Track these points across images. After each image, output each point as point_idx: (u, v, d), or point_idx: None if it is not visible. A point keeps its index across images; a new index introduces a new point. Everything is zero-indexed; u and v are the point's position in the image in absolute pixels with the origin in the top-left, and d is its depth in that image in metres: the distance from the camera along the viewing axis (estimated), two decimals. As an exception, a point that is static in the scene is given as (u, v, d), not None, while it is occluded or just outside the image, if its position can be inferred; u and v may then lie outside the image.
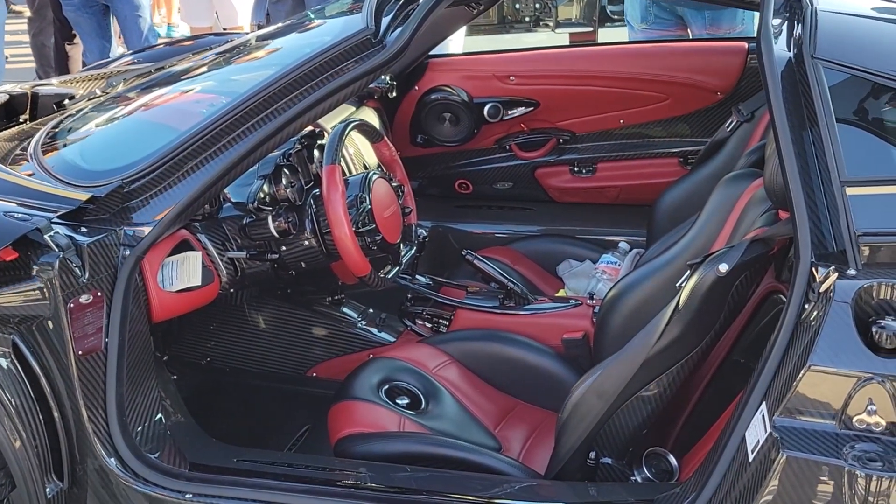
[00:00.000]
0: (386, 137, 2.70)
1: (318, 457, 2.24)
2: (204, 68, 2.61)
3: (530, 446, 2.27)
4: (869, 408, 1.49)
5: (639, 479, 1.98)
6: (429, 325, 2.80)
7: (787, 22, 1.98)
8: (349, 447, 2.13)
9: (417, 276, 2.86)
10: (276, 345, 2.77)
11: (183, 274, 2.14)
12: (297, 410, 2.64)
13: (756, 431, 1.57)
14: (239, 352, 2.77)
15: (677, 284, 1.89)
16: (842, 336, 1.50)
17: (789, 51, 1.82)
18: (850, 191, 1.60)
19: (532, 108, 3.37)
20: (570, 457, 1.99)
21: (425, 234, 2.88)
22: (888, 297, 1.52)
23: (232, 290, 2.42)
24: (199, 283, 2.16)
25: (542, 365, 2.45)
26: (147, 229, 1.97)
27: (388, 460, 2.06)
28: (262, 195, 2.37)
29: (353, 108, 3.08)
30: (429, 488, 1.88)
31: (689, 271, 1.86)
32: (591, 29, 6.44)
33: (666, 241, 2.44)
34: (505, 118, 3.39)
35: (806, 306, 1.56)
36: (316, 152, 2.55)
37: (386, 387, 2.32)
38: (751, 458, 1.56)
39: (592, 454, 1.99)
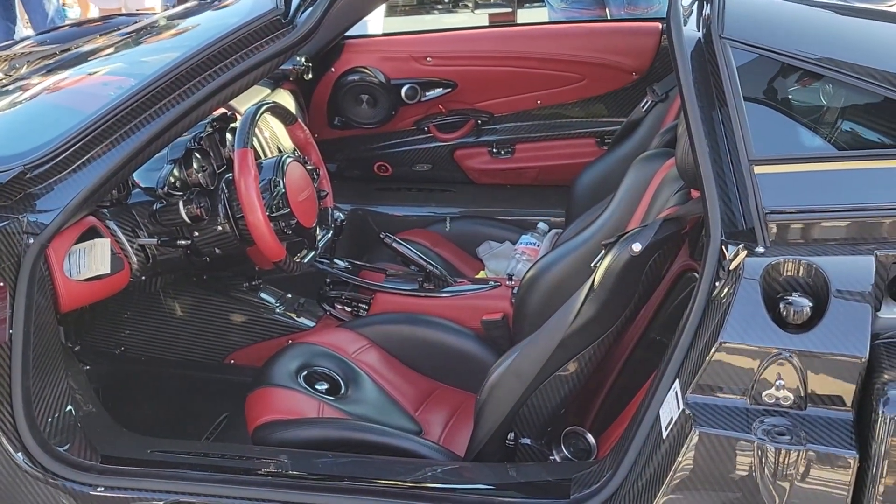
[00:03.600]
0: (300, 120, 2.66)
1: (236, 445, 2.22)
2: (111, 49, 2.55)
3: (450, 429, 2.28)
4: (777, 382, 1.52)
5: (557, 459, 2.00)
6: (348, 310, 2.79)
7: (697, 2, 2.00)
8: (267, 434, 2.11)
9: (336, 261, 2.84)
10: (193, 332, 2.75)
11: (91, 262, 2.11)
12: (214, 399, 2.62)
13: (669, 409, 1.59)
14: (154, 340, 2.74)
15: (592, 264, 1.91)
16: (751, 313, 1.52)
17: (699, 31, 1.84)
18: (758, 169, 1.62)
19: (450, 90, 3.37)
20: (489, 438, 2.00)
21: (343, 217, 2.83)
22: (795, 274, 1.55)
23: (144, 278, 2.39)
24: (108, 271, 2.14)
25: (461, 347, 2.47)
26: (52, 216, 1.92)
27: (307, 447, 2.05)
28: (172, 180, 2.33)
29: (268, 91, 3.05)
30: (350, 474, 1.88)
31: (603, 251, 1.88)
32: (510, 10, 6.48)
33: (583, 221, 2.46)
34: (423, 99, 3.38)
35: (717, 284, 1.58)
36: (228, 135, 2.52)
37: (305, 372, 2.31)
38: (665, 434, 1.58)
39: (511, 435, 2.00)
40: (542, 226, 3.12)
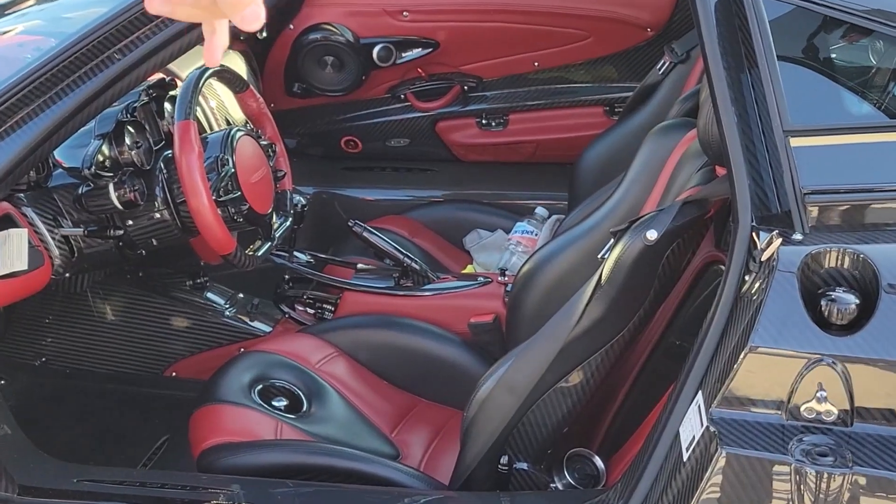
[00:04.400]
0: (252, 86, 2.67)
1: (179, 473, 2.21)
2: (27, 3, 2.57)
3: (433, 452, 2.29)
4: (818, 394, 1.52)
5: (559, 486, 2.00)
6: (311, 312, 2.80)
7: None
8: (215, 460, 2.12)
9: (296, 253, 2.85)
10: (127, 339, 2.77)
11: (4, 256, 2.11)
12: (152, 418, 2.64)
13: (691, 426, 1.59)
14: (81, 349, 2.75)
15: (599, 256, 1.91)
16: (787, 311, 1.51)
17: (724, -22, 1.83)
18: (794, 142, 1.62)
19: (431, 50, 3.38)
20: (479, 463, 2.00)
21: (304, 202, 2.83)
22: (839, 265, 1.55)
23: (68, 275, 2.39)
24: (26, 268, 2.14)
25: (445, 355, 2.49)
26: (-44, 203, 1.91)
27: (263, 474, 2.05)
28: (101, 158, 2.33)
29: None
30: (314, 506, 1.88)
31: (612, 240, 1.88)
32: (502, -45, 6.44)
33: (589, 205, 2.47)
34: (398, 62, 3.39)
35: (746, 278, 1.58)
36: (167, 105, 2.52)
37: (259, 386, 2.32)
38: (685, 456, 1.57)
39: (504, 459, 2.01)
40: (540, 211, 3.13)
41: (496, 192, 3.33)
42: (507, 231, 3.09)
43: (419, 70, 3.43)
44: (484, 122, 3.45)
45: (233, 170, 2.38)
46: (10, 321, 2.60)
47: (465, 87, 3.44)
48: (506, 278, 2.72)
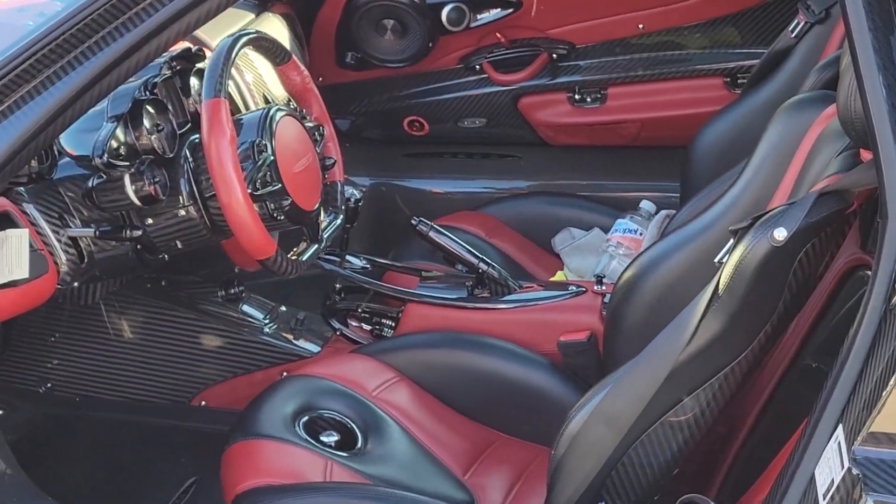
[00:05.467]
0: (297, 57, 2.69)
1: None
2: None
3: (514, 498, 2.30)
4: None
5: (668, 540, 2.00)
6: (367, 328, 2.83)
7: None
8: (254, 507, 2.12)
9: (348, 258, 2.86)
10: (148, 362, 2.79)
11: (1, 262, 2.14)
12: (177, 455, 2.68)
13: (829, 467, 1.57)
14: (93, 373, 2.78)
15: (717, 260, 1.90)
16: (950, 327, 1.50)
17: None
18: (958, 118, 1.61)
19: (512, 10, 3.41)
20: (571, 510, 1.99)
21: (359, 195, 2.85)
22: None
23: (77, 285, 2.42)
24: (27, 275, 2.17)
25: (528, 381, 2.50)
26: (-56, 198, 1.94)
27: None
28: (114, 145, 2.34)
29: (251, 16, 3.09)
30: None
31: (732, 240, 1.86)
32: None
33: (705, 198, 2.47)
34: (473, 25, 3.43)
35: (898, 286, 1.57)
36: (193, 80, 2.54)
37: (305, 418, 2.35)
38: (823, 504, 1.57)
39: (602, 506, 2.00)
40: (645, 205, 3.14)
41: (592, 183, 3.35)
42: (606, 230, 3.10)
43: (498, 35, 3.46)
44: (577, 97, 3.46)
45: (272, 157, 2.39)
46: (9, 339, 2.62)
47: (554, 56, 3.45)
48: (603, 287, 2.73)
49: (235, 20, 2.98)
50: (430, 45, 3.43)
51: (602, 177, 3.38)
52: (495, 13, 3.40)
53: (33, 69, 2.02)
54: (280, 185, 2.39)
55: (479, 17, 3.41)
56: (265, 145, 2.39)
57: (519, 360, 2.53)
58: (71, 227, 2.36)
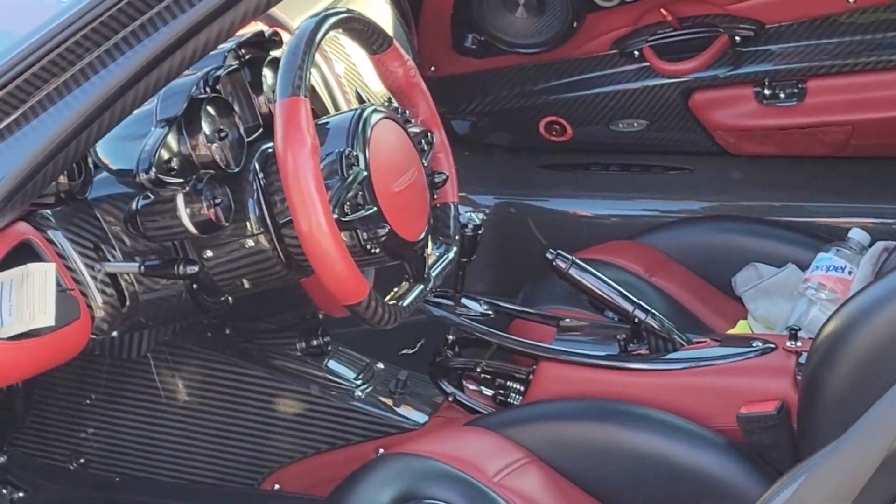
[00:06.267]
0: (402, 41, 2.74)
1: None
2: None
3: None
4: None
5: None
6: (488, 393, 2.77)
7: None
8: None
9: (465, 301, 2.83)
10: (207, 432, 2.78)
11: (21, 305, 2.08)
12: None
13: None
14: (138, 446, 2.77)
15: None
16: None
17: None
18: None
19: None
20: None
21: (479, 220, 2.77)
22: None
23: (116, 334, 2.39)
24: (52, 323, 2.11)
25: (699, 465, 2.44)
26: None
27: None
28: (165, 156, 2.27)
29: None
30: None
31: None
32: None
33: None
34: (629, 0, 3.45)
35: None
36: (267, 73, 2.52)
37: (407, 510, 2.33)
38: None
39: None
40: (856, 234, 3.07)
41: (785, 205, 3.32)
42: (804, 266, 3.06)
43: (663, 12, 3.44)
44: (767, 92, 3.41)
45: (365, 172, 2.32)
46: (32, 403, 2.62)
47: (737, 39, 3.41)
48: (799, 343, 2.64)
49: (318, -6, 3.04)
50: (575, 24, 3.41)
51: (799, 197, 3.32)
52: (660, -16, 3.39)
53: (63, 60, 1.99)
54: (375, 209, 2.33)
55: (638, -12, 3.42)
56: (356, 157, 2.33)
57: (686, 438, 2.48)
58: (109, 261, 2.32)
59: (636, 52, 3.48)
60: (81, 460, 2.73)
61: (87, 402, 2.70)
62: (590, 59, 3.49)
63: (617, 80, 3.49)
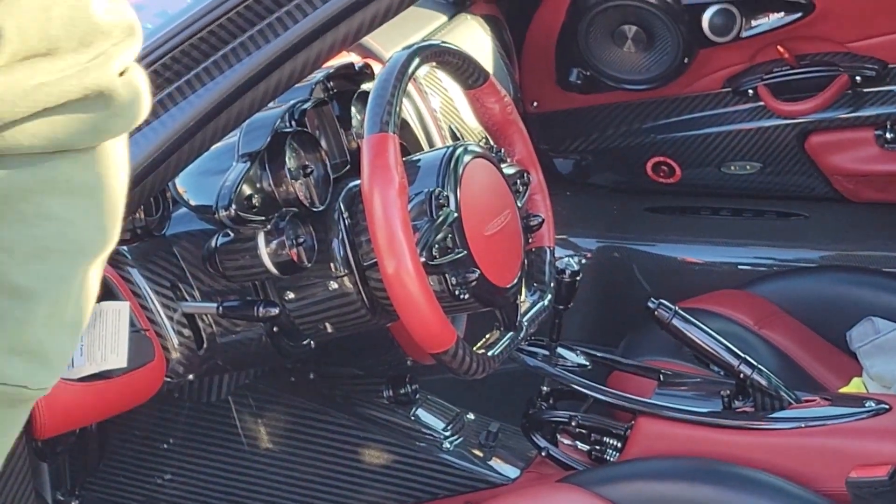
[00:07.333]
0: (503, 74, 2.73)
1: None
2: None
3: None
4: None
5: None
6: (583, 448, 2.75)
7: None
8: None
9: (560, 351, 2.80)
10: (290, 481, 2.78)
11: (93, 346, 2.12)
12: None
13: None
14: (218, 493, 2.79)
15: None
16: None
17: None
18: None
19: (800, 16, 3.36)
20: None
21: (577, 266, 2.76)
22: None
23: (193, 377, 2.42)
24: (125, 365, 2.16)
25: None
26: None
27: None
28: (247, 192, 2.29)
29: (444, 18, 3.16)
30: None
31: None
32: None
33: None
34: (745, 35, 3.39)
35: None
36: (356, 107, 2.53)
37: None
38: None
39: None
40: None
41: None
42: None
43: (780, 49, 3.41)
44: (889, 136, 3.35)
45: (455, 214, 2.31)
46: (106, 447, 2.63)
47: (858, 78, 3.35)
48: None
49: (420, 24, 3.02)
50: (686, 60, 3.41)
51: (924, 247, 3.35)
52: (776, 19, 3.33)
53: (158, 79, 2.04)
54: (465, 252, 2.33)
55: (753, 23, 3.38)
56: (447, 197, 2.32)
57: (792, 503, 2.40)
58: (187, 301, 2.35)
59: (750, 91, 3.46)
60: None
61: (165, 446, 2.72)
62: (701, 97, 3.51)
63: (729, 120, 3.49)
